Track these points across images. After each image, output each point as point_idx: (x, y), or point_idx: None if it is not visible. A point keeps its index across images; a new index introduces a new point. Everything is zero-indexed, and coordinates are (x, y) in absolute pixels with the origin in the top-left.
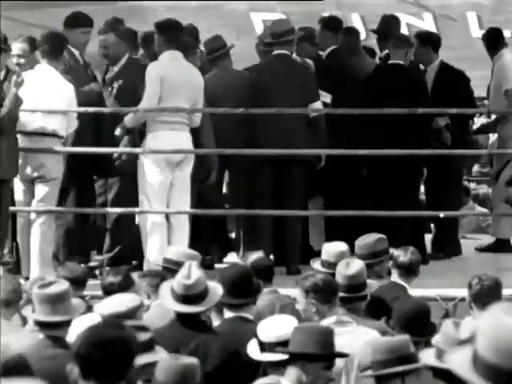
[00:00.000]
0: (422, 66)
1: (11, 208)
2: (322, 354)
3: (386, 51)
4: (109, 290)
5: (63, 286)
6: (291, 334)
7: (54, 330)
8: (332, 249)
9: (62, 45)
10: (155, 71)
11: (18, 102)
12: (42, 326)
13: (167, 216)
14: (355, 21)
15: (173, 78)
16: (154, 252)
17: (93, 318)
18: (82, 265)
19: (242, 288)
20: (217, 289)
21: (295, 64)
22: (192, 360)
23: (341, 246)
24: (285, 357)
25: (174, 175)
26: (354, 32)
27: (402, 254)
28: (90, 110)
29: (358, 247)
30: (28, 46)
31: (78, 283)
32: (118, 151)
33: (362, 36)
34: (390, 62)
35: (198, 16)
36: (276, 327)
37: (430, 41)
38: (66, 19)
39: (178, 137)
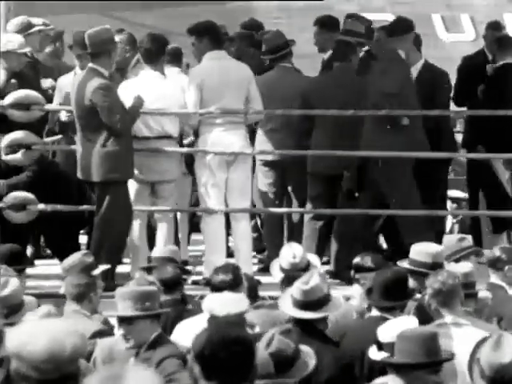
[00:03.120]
0: None
1: (140, 208)
2: (428, 362)
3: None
4: (218, 288)
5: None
6: (396, 342)
7: None
8: (424, 248)
9: (163, 47)
10: (194, 75)
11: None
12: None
13: (228, 220)
14: (464, 22)
15: (212, 78)
16: (214, 254)
17: (204, 319)
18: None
19: (391, 291)
20: (339, 299)
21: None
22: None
23: (433, 246)
24: None
25: (229, 176)
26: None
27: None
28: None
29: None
30: None
31: (168, 286)
32: (184, 151)
33: (471, 37)
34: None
35: (307, 16)
36: (393, 327)
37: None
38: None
39: (228, 137)
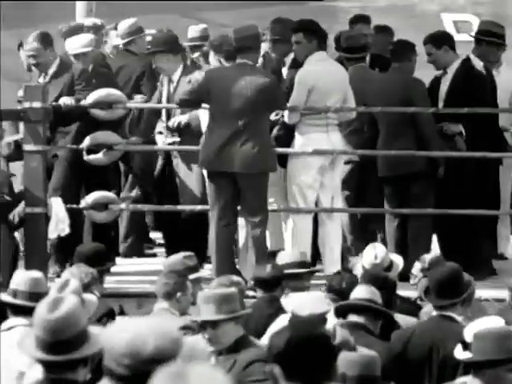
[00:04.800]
0: None
1: None
2: (504, 359)
3: None
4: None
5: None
6: (472, 341)
7: None
8: None
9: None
10: (305, 78)
11: None
12: None
13: (316, 219)
14: None
15: (322, 81)
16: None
17: (286, 318)
18: None
19: (449, 288)
20: None
21: None
22: (371, 352)
23: None
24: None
25: (326, 177)
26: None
27: None
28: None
29: None
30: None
31: (263, 285)
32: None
33: None
34: None
35: (389, 16)
36: (479, 327)
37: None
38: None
39: (327, 138)
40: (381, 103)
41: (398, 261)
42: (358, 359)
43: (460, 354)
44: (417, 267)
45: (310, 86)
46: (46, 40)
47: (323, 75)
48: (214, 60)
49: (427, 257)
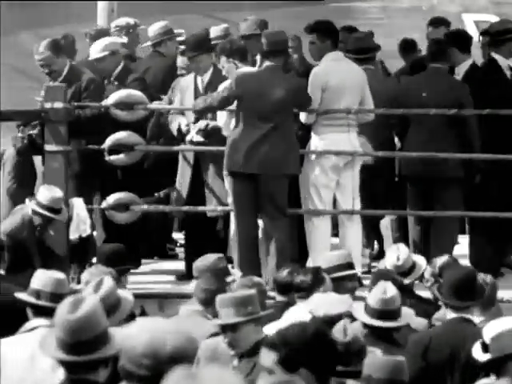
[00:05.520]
0: None
1: None
2: None
3: None
4: (299, 288)
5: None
6: (489, 344)
7: None
8: None
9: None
10: (316, 76)
11: None
12: None
13: (336, 220)
14: None
15: (334, 79)
16: (317, 254)
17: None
18: None
19: (465, 290)
20: (408, 311)
21: None
22: (399, 357)
23: None
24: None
25: (342, 177)
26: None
27: None
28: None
29: None
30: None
31: (280, 288)
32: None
33: None
34: None
35: (408, 17)
36: (497, 327)
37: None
38: None
39: (344, 138)
40: (428, 104)
41: (421, 262)
42: (386, 363)
43: (480, 355)
44: (428, 271)
45: (322, 83)
46: (57, 48)
47: (335, 73)
48: (227, 65)
49: (438, 261)
